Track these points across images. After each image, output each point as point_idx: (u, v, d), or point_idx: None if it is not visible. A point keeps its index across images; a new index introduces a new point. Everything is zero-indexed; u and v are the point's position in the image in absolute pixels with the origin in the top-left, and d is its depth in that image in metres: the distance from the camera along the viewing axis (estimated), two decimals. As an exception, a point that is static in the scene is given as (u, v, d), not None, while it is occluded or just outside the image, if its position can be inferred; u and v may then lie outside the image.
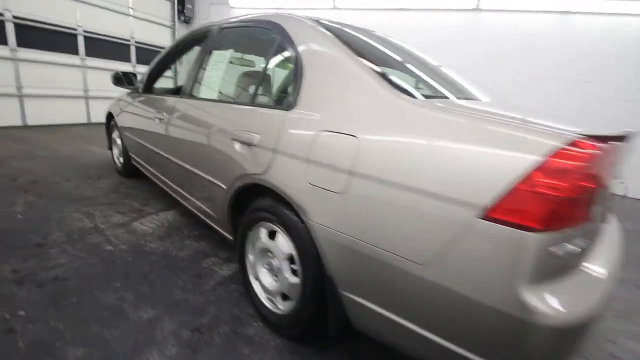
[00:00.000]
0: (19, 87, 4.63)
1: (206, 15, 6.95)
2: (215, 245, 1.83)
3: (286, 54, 1.28)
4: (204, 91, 1.73)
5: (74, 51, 5.27)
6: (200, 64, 1.75)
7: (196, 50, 1.87)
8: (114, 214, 2.13)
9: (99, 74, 5.60)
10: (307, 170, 0.99)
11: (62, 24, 5.01)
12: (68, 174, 2.88)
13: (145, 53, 6.37)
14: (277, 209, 1.12)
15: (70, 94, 5.32)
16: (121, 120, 2.70)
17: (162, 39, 6.72)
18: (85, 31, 5.34)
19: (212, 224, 1.61)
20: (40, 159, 3.28)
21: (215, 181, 1.43)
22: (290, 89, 1.23)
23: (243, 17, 1.63)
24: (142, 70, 6.25)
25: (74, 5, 5.14)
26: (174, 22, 6.90)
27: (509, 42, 4.72)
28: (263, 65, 1.41)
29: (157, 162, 2.08)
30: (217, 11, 6.76)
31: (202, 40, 1.84)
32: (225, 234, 1.50)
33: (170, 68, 3.30)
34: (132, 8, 6.02)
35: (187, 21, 7.08)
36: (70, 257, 1.57)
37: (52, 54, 4.96)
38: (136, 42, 6.22)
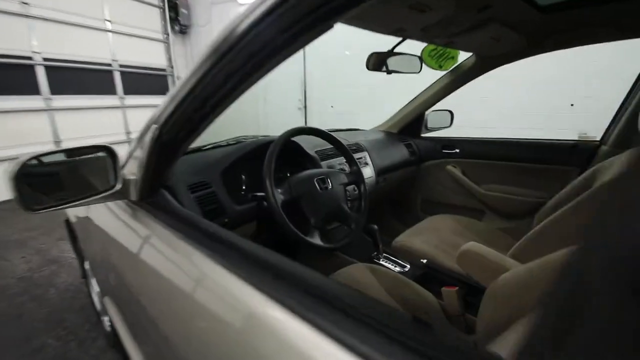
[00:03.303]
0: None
1: (207, 20, 5.33)
2: None
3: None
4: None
5: (34, 90, 3.67)
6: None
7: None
8: None
9: (79, 117, 4.00)
10: None
11: (12, 53, 3.41)
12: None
13: (135, 79, 4.74)
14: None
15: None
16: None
17: (156, 57, 5.09)
18: (45, 59, 3.73)
19: None
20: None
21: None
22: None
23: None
24: (134, 103, 4.82)
25: (26, 25, 3.53)
26: (167, 33, 5.27)
27: None
28: None
29: None
30: (221, 12, 5.14)
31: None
32: None
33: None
34: (109, 21, 4.40)
35: (183, 31, 5.46)
36: None
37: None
38: (121, 65, 4.59)
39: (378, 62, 1.18)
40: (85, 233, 1.26)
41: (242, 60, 0.56)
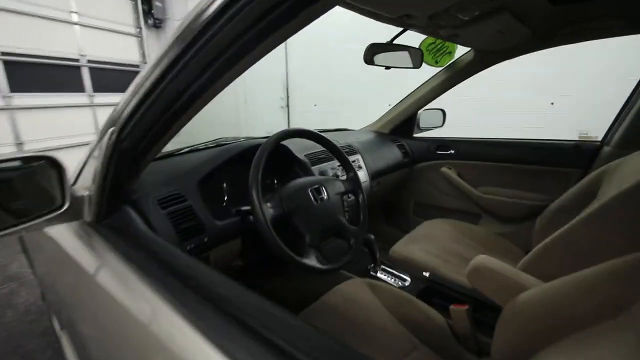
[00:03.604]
0: None
1: (183, 14, 5.06)
2: None
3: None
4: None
5: (-10, 87, 3.35)
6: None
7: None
8: None
9: (44, 116, 3.69)
10: None
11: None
12: None
13: (106, 76, 4.44)
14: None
15: (-6, 154, 3.39)
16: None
17: (128, 53, 4.79)
18: (4, 54, 3.41)
19: None
20: None
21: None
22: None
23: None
24: (104, 101, 4.56)
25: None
26: (140, 27, 4.97)
27: None
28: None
29: None
30: (198, 6, 4.89)
31: None
32: None
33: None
34: (76, 13, 4.08)
35: (157, 25, 5.17)
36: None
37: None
38: (89, 60, 4.28)
39: (376, 54, 1.06)
40: (35, 254, 1.08)
41: (218, 48, 0.43)
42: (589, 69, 2.78)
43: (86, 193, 0.67)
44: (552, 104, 3.17)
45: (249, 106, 4.98)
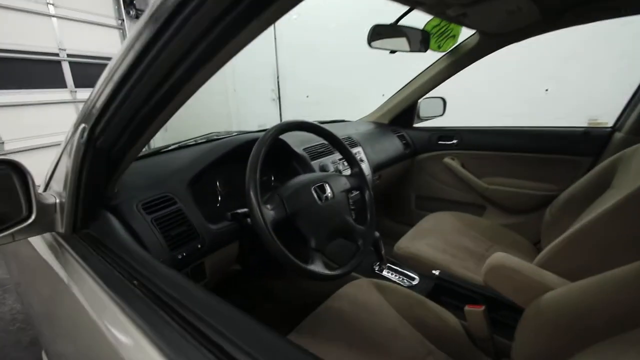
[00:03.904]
0: None
1: (167, 4, 4.85)
2: None
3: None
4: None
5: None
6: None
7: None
8: None
9: (23, 114, 3.51)
10: None
11: None
12: None
13: (87, 70, 4.25)
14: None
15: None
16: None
17: (110, 45, 4.59)
18: (-25, 48, 3.22)
19: None
20: None
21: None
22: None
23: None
24: (87, 97, 4.25)
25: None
26: (122, 19, 4.76)
27: None
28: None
29: None
30: (182, -5, 4.68)
31: None
32: None
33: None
34: (52, 4, 3.87)
35: (139, 16, 4.96)
36: None
37: None
38: (69, 54, 4.08)
39: (380, 37, 0.97)
40: (9, 258, 0.99)
41: (197, 30, 0.36)
42: (586, 51, 2.72)
43: (58, 200, 0.58)
44: (546, 90, 3.12)
45: (238, 95, 4.85)
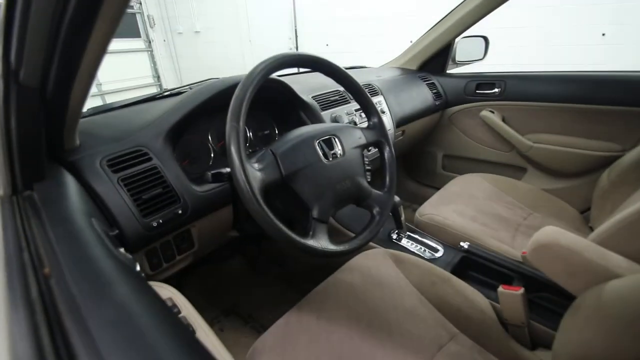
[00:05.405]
0: None
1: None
2: None
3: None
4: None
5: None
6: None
7: None
8: None
9: None
10: None
11: None
12: None
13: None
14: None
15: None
16: None
17: None
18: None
19: None
20: None
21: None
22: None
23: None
24: None
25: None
26: None
27: None
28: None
29: None
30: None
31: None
32: None
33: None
34: None
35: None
36: None
37: None
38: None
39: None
40: None
41: None
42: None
43: (-9, 155, 0.46)
44: (603, 34, 2.67)
45: (254, 45, 4.60)
